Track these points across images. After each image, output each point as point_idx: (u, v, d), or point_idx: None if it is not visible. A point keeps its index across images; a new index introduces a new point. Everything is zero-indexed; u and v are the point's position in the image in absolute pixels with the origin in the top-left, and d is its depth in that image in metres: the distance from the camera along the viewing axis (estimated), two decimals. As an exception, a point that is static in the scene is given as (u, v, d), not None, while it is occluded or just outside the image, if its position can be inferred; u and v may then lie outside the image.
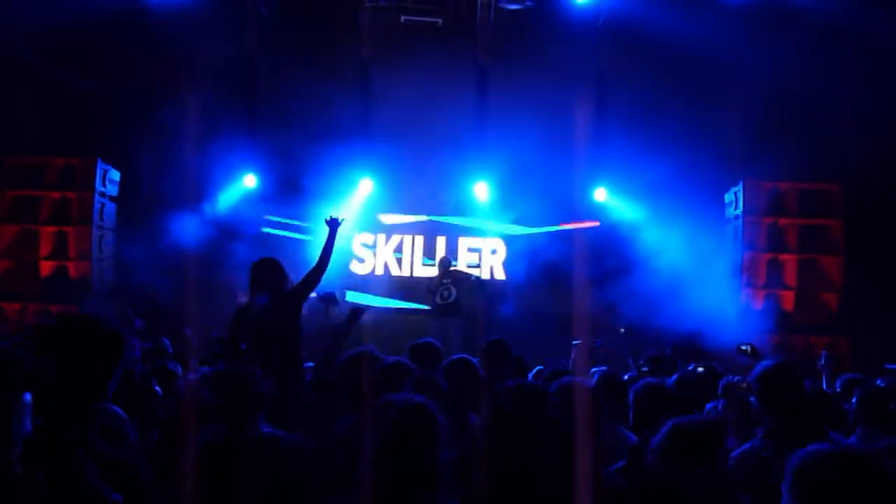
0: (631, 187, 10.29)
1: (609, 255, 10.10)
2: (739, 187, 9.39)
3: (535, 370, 5.60)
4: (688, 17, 8.73)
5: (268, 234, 10.12)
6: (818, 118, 8.90)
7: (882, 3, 8.21)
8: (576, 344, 6.62)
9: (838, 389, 4.59)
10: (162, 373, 3.95)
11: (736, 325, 8.60)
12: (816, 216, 9.23)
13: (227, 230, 9.88)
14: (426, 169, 10.28)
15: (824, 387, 4.85)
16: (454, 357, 3.72)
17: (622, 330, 6.82)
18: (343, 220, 5.43)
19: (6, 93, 8.79)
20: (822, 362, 5.14)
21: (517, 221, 10.78)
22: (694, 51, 8.72)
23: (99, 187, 9.37)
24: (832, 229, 9.19)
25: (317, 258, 5.13)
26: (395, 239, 11.04)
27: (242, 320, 4.93)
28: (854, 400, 3.77)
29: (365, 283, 10.67)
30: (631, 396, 3.28)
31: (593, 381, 3.78)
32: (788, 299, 9.18)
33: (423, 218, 10.91)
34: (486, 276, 10.89)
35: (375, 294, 10.44)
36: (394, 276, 10.93)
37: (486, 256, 11.03)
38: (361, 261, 10.97)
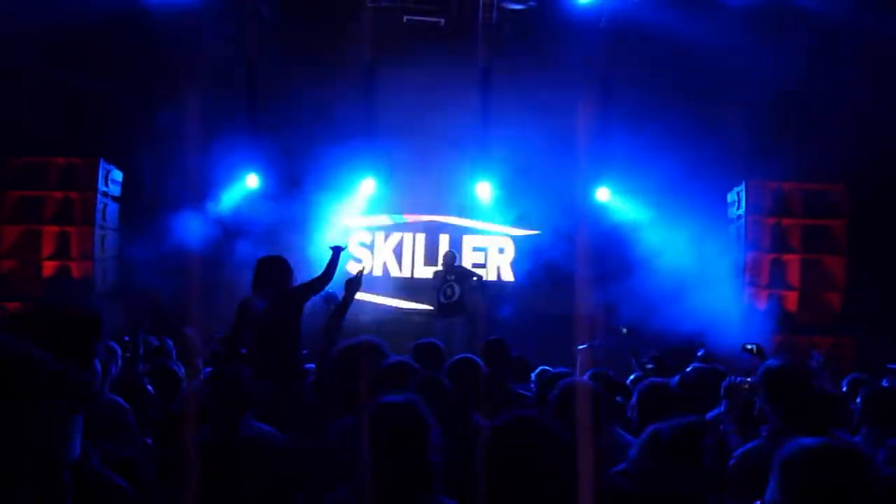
0: (634, 187, 10.28)
1: (612, 255, 10.10)
2: (742, 187, 9.38)
3: (538, 370, 5.59)
4: (691, 17, 8.72)
5: (270, 233, 10.11)
6: (822, 118, 8.87)
7: (886, 3, 8.19)
8: (582, 348, 6.62)
9: (844, 389, 4.57)
10: (163, 373, 3.94)
11: (739, 326, 8.58)
12: (820, 216, 9.21)
13: (230, 230, 9.89)
14: (429, 169, 10.27)
15: (823, 386, 4.83)
16: (458, 357, 3.70)
17: (625, 330, 6.80)
18: (346, 246, 5.51)
19: (8, 93, 8.80)
20: (813, 363, 5.08)
21: (519, 220, 10.76)
22: (697, 50, 8.71)
23: (101, 187, 9.38)
24: (836, 229, 9.17)
25: (321, 271, 5.17)
26: (395, 237, 10.95)
27: (245, 319, 4.92)
28: (859, 400, 3.76)
29: (366, 284, 10.63)
30: (635, 396, 3.27)
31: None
32: (792, 299, 9.16)
33: (441, 219, 10.83)
34: (492, 276, 10.85)
35: (377, 294, 10.44)
36: (393, 277, 10.90)
37: (492, 255, 10.95)
38: (359, 261, 10.89)
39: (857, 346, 8.69)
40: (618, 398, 4.13)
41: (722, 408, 3.80)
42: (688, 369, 4.70)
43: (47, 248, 9.25)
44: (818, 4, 8.45)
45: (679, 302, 8.72)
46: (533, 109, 9.44)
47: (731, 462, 2.93)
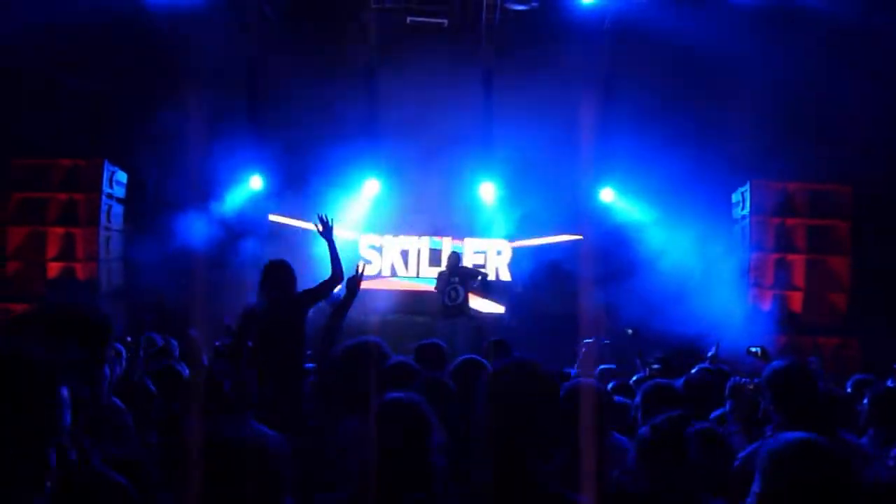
0: (638, 188, 10.27)
1: (615, 255, 10.09)
2: (746, 187, 9.36)
3: None
4: (695, 18, 8.70)
5: (274, 233, 10.14)
6: (826, 118, 8.86)
7: (891, 4, 8.17)
8: (587, 342, 6.59)
9: (849, 390, 4.56)
10: (167, 373, 3.95)
11: (743, 326, 8.56)
12: (824, 217, 9.19)
13: (234, 230, 9.90)
14: (432, 169, 10.26)
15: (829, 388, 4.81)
16: (463, 357, 3.69)
17: (630, 331, 6.79)
18: (332, 218, 5.34)
19: (12, 95, 8.82)
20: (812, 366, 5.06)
21: (522, 221, 10.76)
22: (702, 51, 8.69)
23: (106, 189, 9.40)
24: (840, 230, 9.15)
25: (330, 271, 5.13)
26: (402, 240, 11.04)
27: (250, 321, 4.95)
28: (865, 401, 3.74)
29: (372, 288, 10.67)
30: (639, 397, 3.26)
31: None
32: (796, 300, 9.14)
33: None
34: (490, 276, 10.86)
35: (383, 298, 10.46)
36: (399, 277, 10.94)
37: (491, 258, 11.02)
38: (369, 262, 10.95)
39: (862, 347, 8.67)
40: (618, 398, 4.12)
41: (727, 407, 3.79)
42: (693, 370, 4.69)
43: (52, 250, 9.28)
44: (823, 5, 8.43)
45: (683, 302, 8.71)
46: (536, 110, 9.43)
47: (736, 463, 2.92)
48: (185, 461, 2.24)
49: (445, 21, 10.22)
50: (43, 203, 9.29)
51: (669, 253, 9.82)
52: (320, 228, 5.22)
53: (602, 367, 5.56)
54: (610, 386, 4.54)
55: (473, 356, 3.74)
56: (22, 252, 9.28)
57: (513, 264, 10.95)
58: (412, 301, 10.66)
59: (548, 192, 10.29)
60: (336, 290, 5.16)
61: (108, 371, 1.98)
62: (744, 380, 3.91)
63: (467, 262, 10.67)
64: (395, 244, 11.01)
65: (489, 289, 10.26)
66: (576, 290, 10.31)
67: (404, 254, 11.00)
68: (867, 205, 9.02)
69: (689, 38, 8.61)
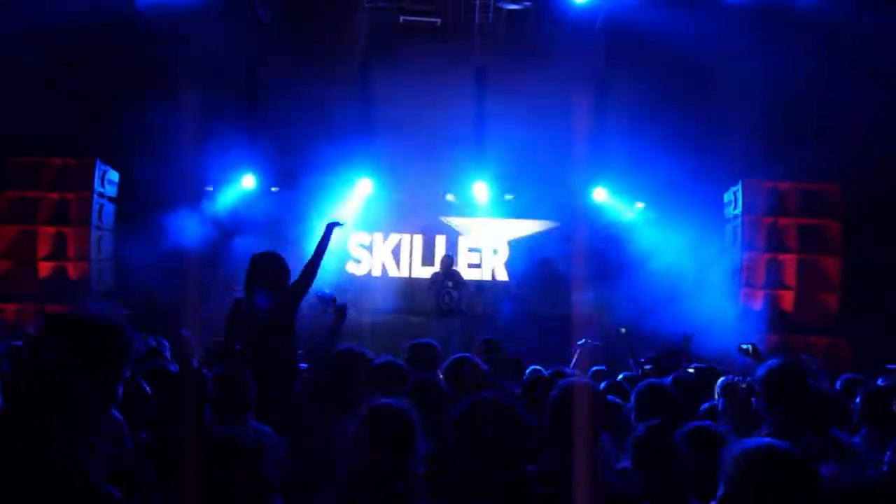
0: (630, 187, 10.29)
1: (608, 254, 10.11)
2: (738, 187, 9.39)
3: (529, 369, 5.58)
4: (687, 18, 8.72)
5: (267, 232, 10.10)
6: (818, 119, 8.90)
7: (883, 4, 8.21)
8: (581, 344, 6.61)
9: (837, 388, 4.57)
10: (159, 373, 3.93)
11: (735, 325, 8.59)
12: (816, 216, 9.22)
13: (226, 229, 9.88)
14: (425, 168, 10.26)
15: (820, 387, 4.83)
16: (455, 356, 3.70)
17: (622, 330, 6.80)
18: (344, 223, 5.35)
19: (4, 93, 8.77)
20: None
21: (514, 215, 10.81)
22: (693, 51, 8.71)
23: (98, 188, 9.36)
24: (831, 229, 9.18)
25: (311, 255, 5.05)
26: (393, 238, 11.00)
27: (238, 318, 4.84)
28: (858, 400, 3.75)
29: (364, 285, 10.65)
30: (633, 396, 3.27)
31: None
32: (788, 299, 9.18)
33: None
34: (486, 276, 10.89)
35: (374, 295, 10.43)
36: (391, 277, 10.91)
37: (486, 257, 11.00)
38: (358, 261, 10.93)
39: (852, 347, 8.71)
40: (611, 397, 4.12)
41: (716, 402, 3.80)
42: (689, 369, 4.70)
43: (43, 249, 9.22)
44: (816, 6, 8.46)
45: (675, 301, 8.73)
46: (528, 109, 9.44)
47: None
48: (177, 461, 2.24)
49: (438, 20, 10.22)
50: (34, 202, 9.23)
51: (661, 252, 9.86)
52: (331, 223, 5.21)
53: (594, 368, 5.56)
54: (602, 385, 4.55)
55: (465, 354, 3.74)
56: (13, 251, 9.22)
57: (509, 263, 10.95)
58: (407, 301, 10.65)
59: (540, 190, 10.33)
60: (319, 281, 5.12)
61: (121, 390, 1.91)
62: (737, 378, 3.92)
63: (462, 260, 10.70)
64: (386, 243, 10.98)
65: (482, 293, 10.33)
66: (569, 289, 10.34)
67: (395, 252, 10.97)
68: (859, 205, 9.06)
69: (681, 38, 8.63)
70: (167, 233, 9.25)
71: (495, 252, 11.01)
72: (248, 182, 10.37)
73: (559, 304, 10.01)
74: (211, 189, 10.28)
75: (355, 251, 10.90)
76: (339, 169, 10.04)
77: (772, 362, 3.14)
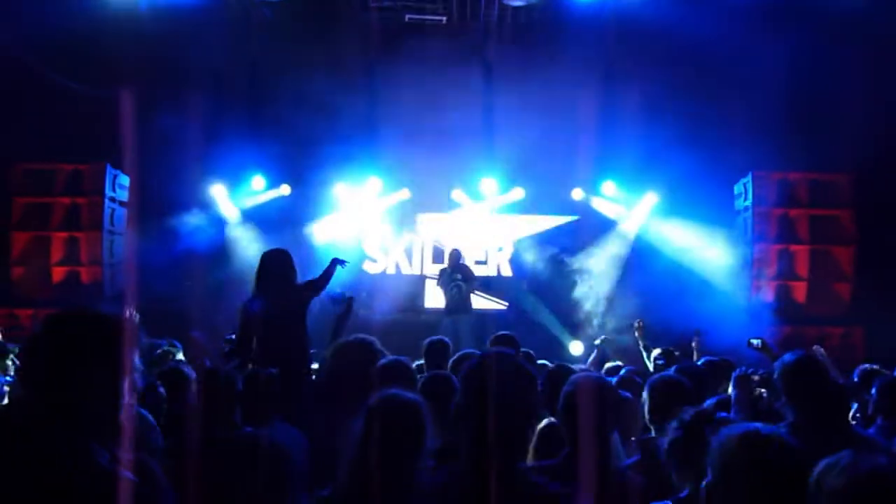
0: (640, 181, 10.25)
1: (617, 249, 10.10)
2: (748, 178, 9.34)
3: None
4: (696, 10, 8.67)
5: (276, 232, 10.13)
6: (828, 108, 8.82)
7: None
8: (598, 341, 6.63)
9: (855, 379, 4.55)
10: (172, 375, 3.95)
11: (747, 318, 8.55)
12: (827, 206, 9.16)
13: (236, 230, 9.92)
14: (433, 167, 10.27)
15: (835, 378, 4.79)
16: (463, 352, 3.70)
17: (635, 324, 6.80)
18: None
19: (14, 100, 8.84)
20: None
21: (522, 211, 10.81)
22: (702, 44, 8.65)
23: (109, 192, 9.42)
24: (843, 219, 9.12)
25: (319, 275, 5.18)
26: (406, 237, 11.08)
27: (250, 317, 4.87)
28: (873, 391, 3.73)
29: (378, 282, 10.71)
30: (646, 390, 3.26)
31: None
32: (800, 290, 9.12)
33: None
34: (492, 272, 10.92)
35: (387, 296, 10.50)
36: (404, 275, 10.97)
37: (492, 254, 11.04)
38: (374, 260, 11.00)
39: (866, 337, 8.66)
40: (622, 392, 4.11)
41: (725, 395, 3.79)
42: (700, 363, 4.69)
43: (56, 254, 9.30)
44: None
45: (687, 294, 8.71)
46: (537, 105, 9.41)
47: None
48: (192, 461, 2.25)
49: (444, 18, 10.21)
50: (46, 208, 9.30)
51: (673, 246, 9.83)
52: (335, 259, 5.32)
53: (609, 365, 5.57)
54: (614, 380, 4.54)
55: (471, 350, 3.75)
56: (26, 257, 9.30)
57: (514, 260, 10.97)
58: (416, 298, 10.69)
59: (549, 185, 10.31)
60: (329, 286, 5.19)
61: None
62: (750, 370, 3.90)
63: (468, 256, 10.71)
64: (399, 242, 11.04)
65: (489, 288, 10.35)
66: (578, 284, 10.34)
67: (408, 251, 11.06)
68: (870, 193, 8.99)
69: (689, 32, 8.58)
70: (177, 235, 9.30)
71: (500, 249, 11.04)
72: (257, 183, 10.42)
73: (568, 299, 10.01)
74: (219, 190, 10.31)
75: (370, 251, 10.96)
76: (347, 168, 10.07)
77: (789, 356, 3.12)
